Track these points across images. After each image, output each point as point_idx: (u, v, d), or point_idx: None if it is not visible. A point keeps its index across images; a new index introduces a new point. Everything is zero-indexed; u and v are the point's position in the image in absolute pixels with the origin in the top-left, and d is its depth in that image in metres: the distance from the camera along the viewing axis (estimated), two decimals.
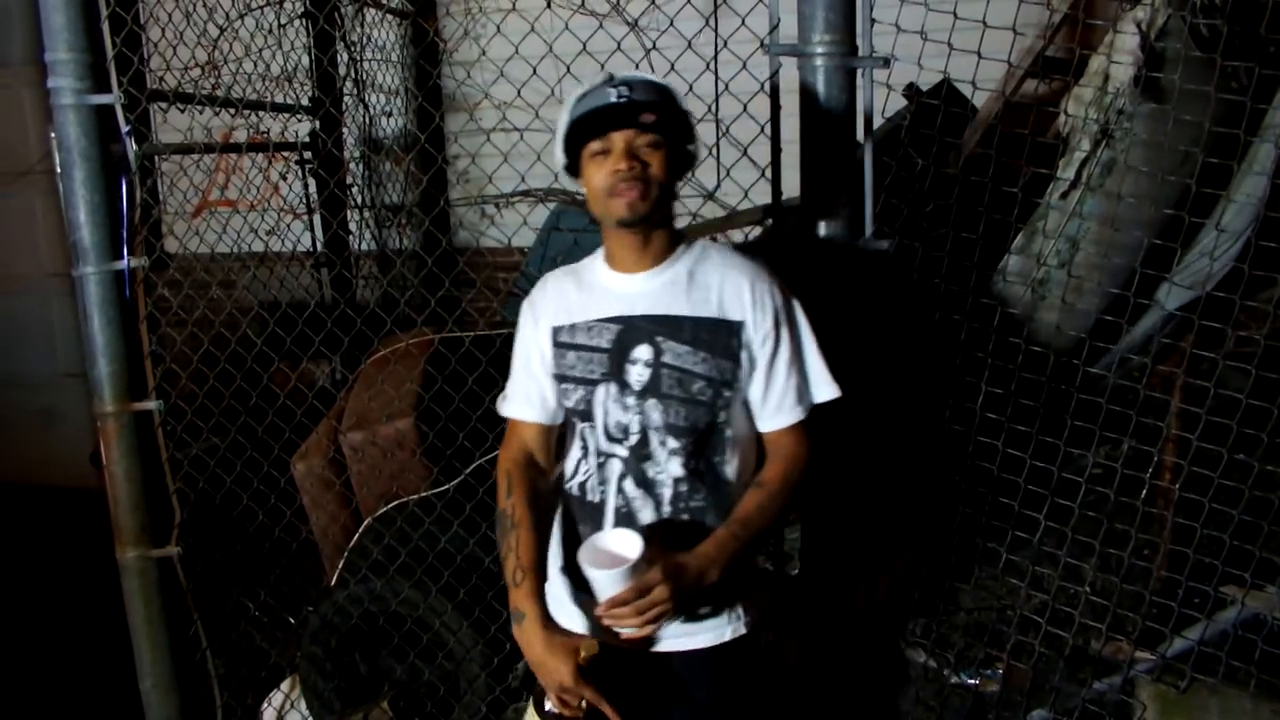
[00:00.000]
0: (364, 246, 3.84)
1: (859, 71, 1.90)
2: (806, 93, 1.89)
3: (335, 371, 3.47)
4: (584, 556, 1.41)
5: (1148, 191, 2.05)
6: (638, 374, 1.51)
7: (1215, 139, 1.84)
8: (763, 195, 2.14)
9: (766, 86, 1.96)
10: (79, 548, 3.68)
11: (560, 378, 1.56)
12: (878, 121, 1.98)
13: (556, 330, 1.58)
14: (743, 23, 2.08)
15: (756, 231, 2.67)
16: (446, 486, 2.58)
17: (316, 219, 3.62)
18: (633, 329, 1.51)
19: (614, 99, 1.44)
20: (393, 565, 2.50)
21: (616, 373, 1.52)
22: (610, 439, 1.53)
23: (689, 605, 1.49)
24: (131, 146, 2.31)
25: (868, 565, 2.08)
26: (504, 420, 1.67)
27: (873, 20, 1.87)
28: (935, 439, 2.10)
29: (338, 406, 3.04)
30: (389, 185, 3.94)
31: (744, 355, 1.51)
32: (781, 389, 1.54)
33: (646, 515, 1.51)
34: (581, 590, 1.50)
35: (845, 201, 1.93)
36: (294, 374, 3.00)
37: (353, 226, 3.77)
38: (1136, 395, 1.90)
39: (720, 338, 1.50)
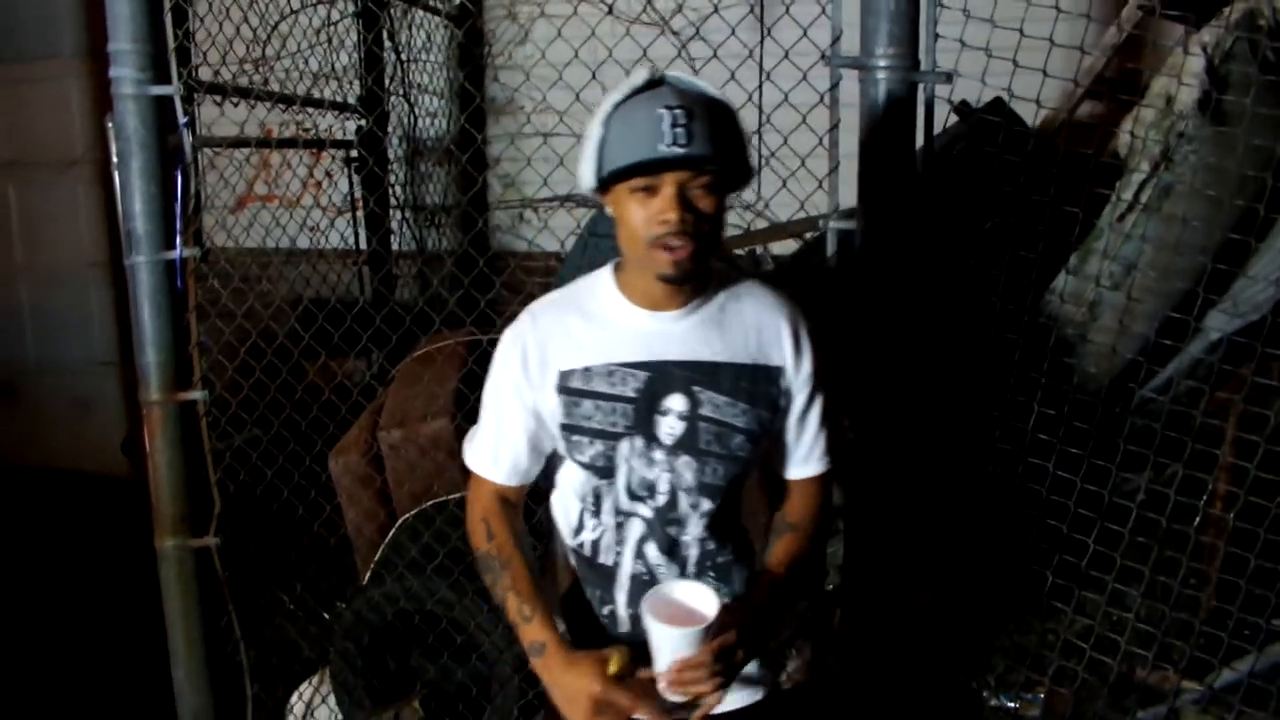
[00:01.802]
0: (406, 246, 3.87)
1: (920, 86, 1.89)
2: (867, 106, 1.89)
3: (376, 368, 3.48)
4: (651, 609, 1.25)
5: (1206, 216, 2.03)
6: (669, 427, 1.34)
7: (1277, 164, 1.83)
8: (816, 209, 2.14)
9: (826, 99, 1.96)
10: (111, 535, 3.71)
11: (572, 428, 1.36)
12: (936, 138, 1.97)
13: (565, 375, 1.36)
14: (804, 34, 2.08)
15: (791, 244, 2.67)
16: None
17: (360, 216, 3.64)
18: (664, 376, 1.33)
19: (668, 139, 1.19)
20: (429, 564, 2.51)
21: (644, 425, 1.34)
22: (633, 498, 1.36)
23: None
24: (188, 138, 2.33)
25: (910, 579, 2.07)
26: None
27: (936, 35, 1.87)
28: (983, 458, 2.08)
29: (377, 403, 3.05)
30: (432, 185, 3.97)
31: (783, 402, 1.39)
32: (813, 437, 1.43)
33: (669, 580, 1.36)
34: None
35: (903, 215, 1.93)
36: (337, 369, 3.01)
37: (394, 225, 3.80)
38: (1189, 420, 1.88)
39: (760, 385, 1.36)
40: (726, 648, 1.22)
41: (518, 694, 2.46)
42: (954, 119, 2.55)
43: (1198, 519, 1.95)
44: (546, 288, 3.17)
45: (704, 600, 1.26)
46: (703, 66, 2.24)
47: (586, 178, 1.30)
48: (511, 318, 1.47)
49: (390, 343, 2.74)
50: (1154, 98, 2.01)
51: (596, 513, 1.40)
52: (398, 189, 3.84)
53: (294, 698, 2.70)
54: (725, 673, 1.22)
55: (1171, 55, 2.02)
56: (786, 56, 2.10)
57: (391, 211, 3.74)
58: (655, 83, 1.26)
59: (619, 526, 1.38)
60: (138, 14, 2.22)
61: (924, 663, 2.14)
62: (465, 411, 2.73)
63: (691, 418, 1.33)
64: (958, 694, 2.12)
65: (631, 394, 1.33)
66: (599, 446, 1.35)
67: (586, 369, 1.35)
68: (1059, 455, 1.96)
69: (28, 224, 4.93)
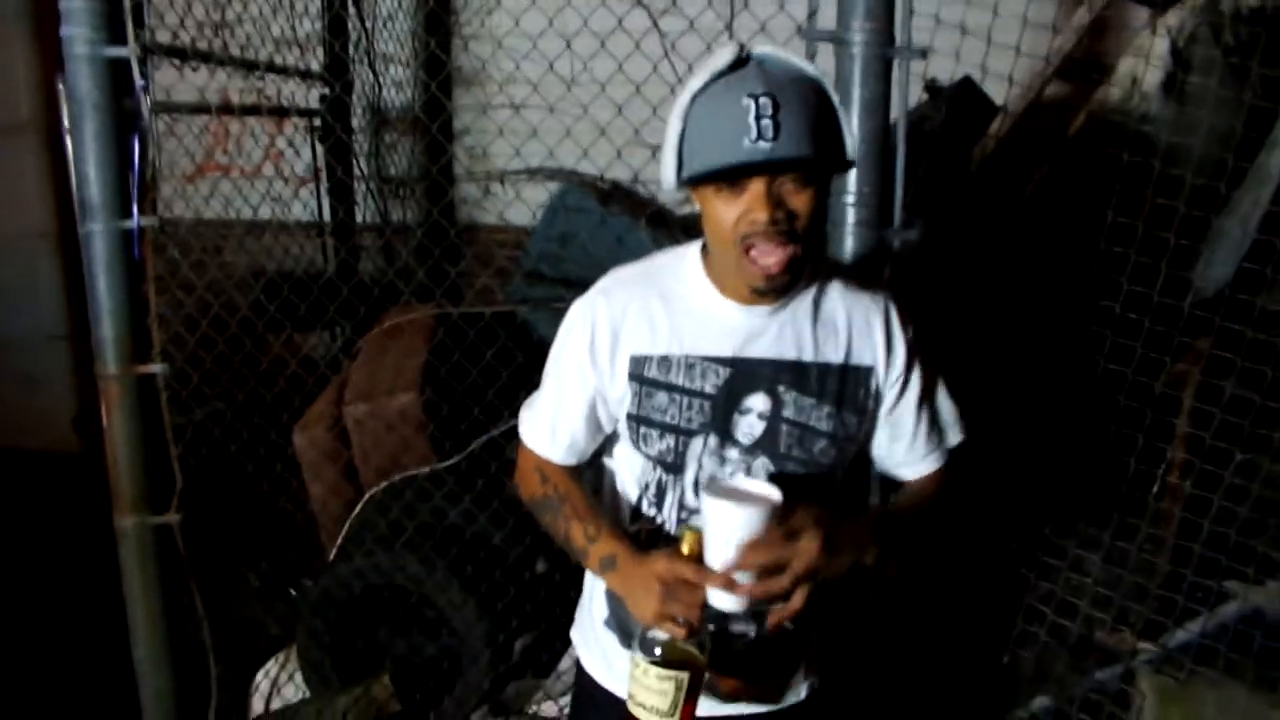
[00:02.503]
0: (371, 218, 3.80)
1: (895, 62, 1.91)
2: (842, 81, 1.90)
3: (342, 342, 3.43)
4: (711, 489, 1.17)
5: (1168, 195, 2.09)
6: (748, 426, 1.25)
7: (1237, 144, 1.88)
8: None
9: None
10: (63, 513, 3.61)
11: (641, 419, 1.27)
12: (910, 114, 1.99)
13: (639, 361, 1.26)
14: (782, 7, 2.08)
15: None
16: (454, 460, 2.56)
17: (325, 187, 3.57)
18: (747, 374, 1.24)
19: (753, 134, 1.07)
20: (397, 539, 2.49)
21: (722, 423, 1.25)
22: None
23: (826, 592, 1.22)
24: (145, 102, 2.26)
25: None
26: (512, 401, 1.49)
27: (911, 11, 1.89)
28: None
29: (343, 377, 3.01)
30: (398, 157, 3.90)
31: (872, 405, 1.29)
32: (920, 433, 1.32)
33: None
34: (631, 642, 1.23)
35: (875, 190, 1.94)
36: (302, 343, 2.97)
37: (358, 197, 3.73)
38: (1149, 391, 1.94)
39: (850, 387, 1.26)
40: (795, 531, 1.12)
41: (488, 668, 2.46)
42: (925, 96, 2.58)
43: (1155, 486, 2.02)
44: (516, 261, 3.18)
45: (768, 490, 1.16)
46: (676, 39, 2.24)
47: (668, 178, 1.17)
48: (481, 291, 1.40)
49: (356, 316, 2.70)
50: (1120, 78, 2.05)
51: (659, 504, 1.31)
52: (363, 160, 3.76)
53: (259, 676, 2.67)
54: (800, 562, 1.11)
55: (1138, 37, 2.06)
56: (763, 29, 2.11)
57: (356, 182, 3.67)
58: (740, 62, 1.12)
59: (681, 523, 1.29)
60: None
61: (892, 632, 2.18)
62: (434, 385, 2.71)
63: (773, 418, 1.25)
64: (925, 660, 2.18)
65: (711, 390, 1.24)
66: (669, 441, 1.27)
67: (665, 358, 1.25)
68: (1020, 423, 2.00)
69: None
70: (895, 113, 1.92)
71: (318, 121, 3.48)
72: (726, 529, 1.12)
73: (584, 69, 2.20)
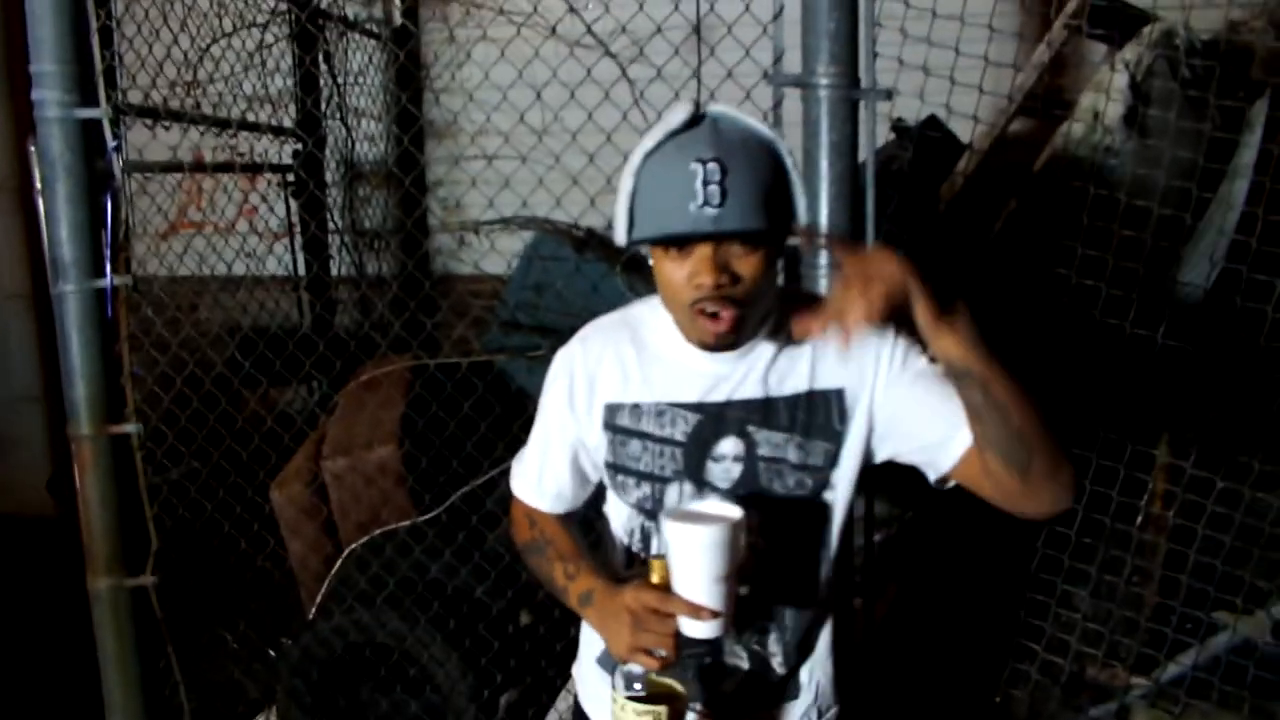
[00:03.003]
0: (344, 271, 3.80)
1: (860, 104, 1.94)
2: (810, 124, 1.92)
3: (318, 396, 3.40)
4: (669, 514, 1.14)
5: (1133, 226, 2.11)
6: (723, 471, 1.24)
7: (1200, 174, 1.92)
8: None
9: (770, 117, 1.99)
10: (37, 577, 3.54)
11: (618, 468, 1.28)
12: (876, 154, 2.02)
13: (613, 409, 1.27)
14: (747, 54, 2.11)
15: None
16: (434, 513, 2.53)
17: (299, 241, 3.57)
18: (716, 419, 1.23)
19: (699, 200, 1.07)
20: (378, 595, 2.44)
21: (695, 470, 1.24)
22: None
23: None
24: (118, 162, 2.26)
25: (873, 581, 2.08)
26: (490, 451, 1.47)
27: (875, 54, 1.92)
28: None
29: (320, 432, 2.98)
30: (371, 209, 3.91)
31: (853, 425, 1.24)
32: (944, 409, 1.17)
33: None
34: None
35: (846, 231, 1.96)
36: (278, 398, 2.94)
37: (333, 251, 3.73)
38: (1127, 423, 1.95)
39: (817, 415, 1.23)
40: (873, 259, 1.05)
41: None
42: (892, 136, 2.62)
43: (1139, 518, 2.01)
44: (491, 310, 3.17)
45: (728, 509, 1.13)
46: (645, 88, 2.26)
47: (620, 236, 1.18)
48: (458, 341, 1.41)
49: (333, 369, 2.69)
50: (1082, 112, 2.09)
51: (646, 550, 1.30)
52: (337, 213, 3.77)
53: None
54: (882, 269, 1.03)
55: (1097, 72, 2.10)
56: (730, 76, 2.14)
57: (331, 236, 3.68)
58: (694, 121, 1.12)
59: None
60: (62, 35, 2.15)
61: (887, 664, 2.16)
62: (412, 437, 2.69)
63: (748, 459, 1.23)
64: (918, 696, 2.15)
65: (680, 437, 1.24)
66: (645, 489, 1.27)
67: (636, 405, 1.26)
68: None
69: None
70: (863, 153, 1.94)
71: (291, 177, 3.49)
72: (688, 551, 1.09)
73: (554, 119, 2.22)
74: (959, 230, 2.12)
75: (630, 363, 1.27)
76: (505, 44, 2.22)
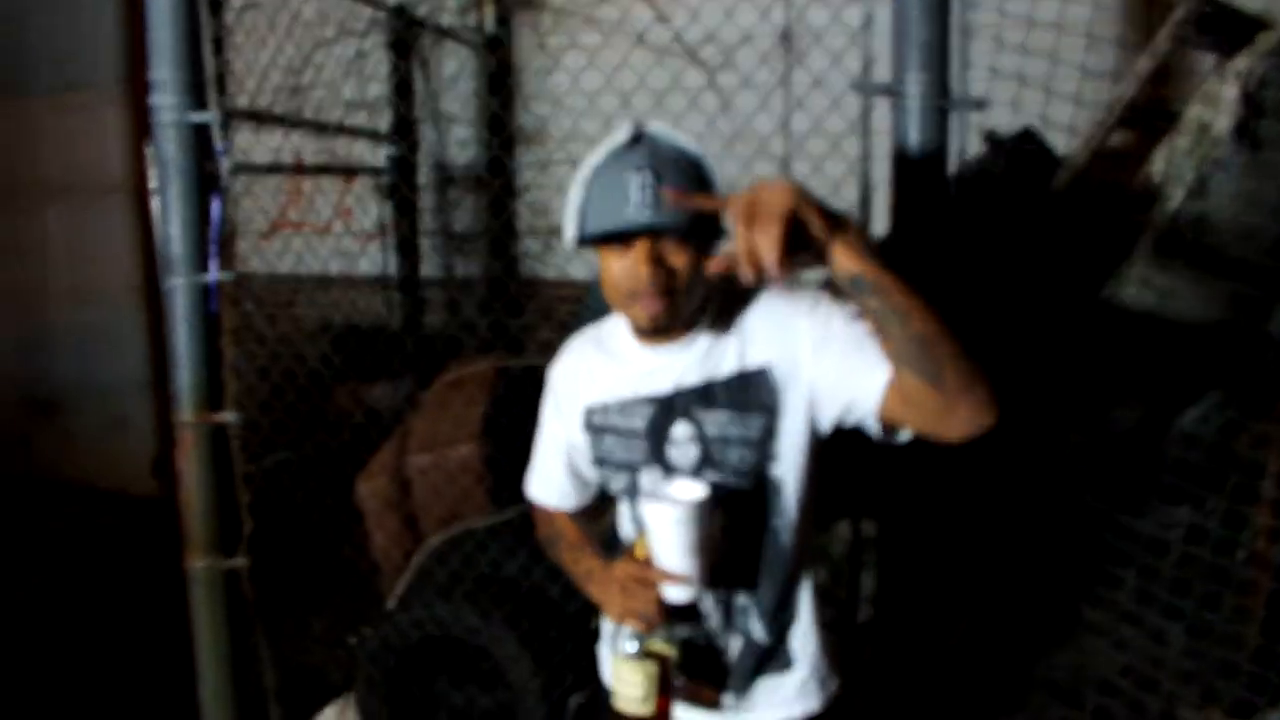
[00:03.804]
0: (433, 272, 3.90)
1: (951, 114, 1.89)
2: (898, 133, 1.89)
3: (406, 393, 3.50)
4: (647, 497, 1.29)
5: (1243, 243, 2.01)
6: (682, 454, 1.38)
7: None
8: None
9: (858, 126, 1.97)
10: (139, 554, 3.73)
11: (600, 461, 1.46)
12: (968, 165, 1.97)
13: (589, 411, 1.45)
14: (835, 62, 2.08)
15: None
16: (513, 514, 2.57)
17: (391, 243, 3.68)
18: (667, 407, 1.38)
19: (635, 203, 1.25)
20: (455, 590, 2.50)
21: (657, 455, 1.39)
22: None
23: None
24: (225, 164, 2.37)
25: (944, 609, 2.03)
26: None
27: (968, 63, 1.88)
28: (1017, 487, 2.05)
29: (405, 428, 3.06)
30: (461, 212, 4.00)
31: (787, 398, 1.34)
32: (862, 355, 1.25)
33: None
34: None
35: (935, 243, 1.92)
36: (367, 394, 3.04)
37: (423, 253, 3.83)
38: (1229, 452, 1.85)
39: (750, 392, 1.35)
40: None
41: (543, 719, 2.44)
42: (985, 147, 2.55)
43: (1241, 553, 1.91)
44: (576, 315, 3.21)
45: (696, 489, 1.29)
46: (732, 96, 2.26)
47: (569, 237, 1.35)
48: (544, 344, 1.52)
49: (420, 367, 2.76)
50: (1188, 125, 2.00)
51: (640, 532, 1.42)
52: (428, 216, 3.87)
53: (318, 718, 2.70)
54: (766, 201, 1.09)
55: (1205, 83, 2.00)
56: (818, 84, 2.12)
57: (421, 238, 3.78)
58: (635, 140, 1.31)
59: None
60: (178, 43, 2.27)
61: (956, 696, 2.10)
62: (494, 437, 2.74)
63: (701, 440, 1.37)
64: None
65: (642, 427, 1.40)
66: (625, 478, 1.43)
67: (605, 405, 1.43)
68: (1094, 487, 1.92)
69: (69, 248, 5.03)
70: (953, 164, 1.89)
71: (385, 180, 3.60)
72: (662, 528, 1.26)
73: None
74: (1053, 246, 2.06)
75: (598, 367, 1.45)
76: (594, 52, 2.24)
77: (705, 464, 1.37)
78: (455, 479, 2.76)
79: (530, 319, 3.15)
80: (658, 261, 1.28)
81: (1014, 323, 2.04)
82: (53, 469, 5.10)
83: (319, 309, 3.23)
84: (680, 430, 1.38)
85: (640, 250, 1.28)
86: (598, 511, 1.58)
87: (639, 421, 1.40)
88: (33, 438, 5.24)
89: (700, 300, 1.36)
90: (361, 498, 2.86)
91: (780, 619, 1.41)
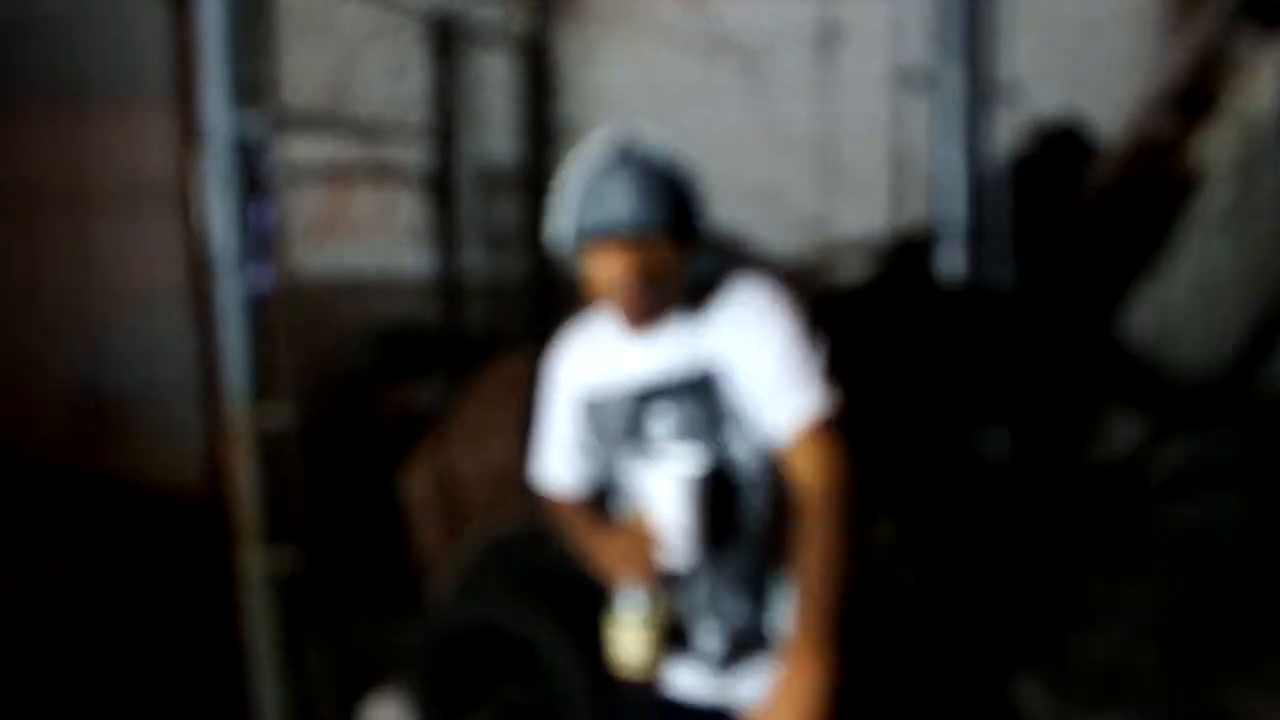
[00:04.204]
0: (474, 273, 3.94)
1: (989, 101, 1.90)
2: (934, 123, 1.90)
3: (446, 392, 3.55)
4: (648, 473, 1.43)
5: None
6: (663, 433, 1.48)
7: None
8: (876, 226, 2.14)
9: (894, 117, 1.98)
10: (196, 554, 3.81)
11: (597, 443, 1.56)
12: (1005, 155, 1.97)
13: (586, 395, 1.55)
14: (875, 51, 2.10)
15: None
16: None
17: (431, 244, 3.72)
18: (645, 394, 1.48)
19: (612, 209, 1.36)
20: (498, 584, 2.53)
21: (641, 438, 1.49)
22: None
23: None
24: (272, 168, 2.43)
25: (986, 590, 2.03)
26: None
27: (1004, 53, 1.88)
28: (1058, 474, 2.05)
29: (447, 426, 3.11)
30: (501, 212, 4.04)
31: (733, 394, 1.44)
32: (772, 385, 1.40)
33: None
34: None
35: (972, 233, 1.92)
36: (410, 394, 3.08)
37: (464, 253, 3.87)
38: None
39: (705, 388, 1.46)
40: None
41: (588, 715, 2.46)
42: (1026, 136, 2.54)
43: None
44: None
45: (690, 465, 1.40)
46: (768, 89, 2.28)
47: (553, 244, 1.45)
48: None
49: (463, 367, 2.80)
50: (1231, 111, 1.98)
51: (632, 502, 1.55)
52: (467, 216, 3.91)
53: (367, 711, 2.74)
54: None
55: (1250, 67, 1.98)
56: (852, 74, 2.13)
57: (462, 238, 3.82)
58: (618, 150, 1.40)
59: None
60: (227, 51, 2.33)
61: (996, 678, 2.09)
62: (533, 434, 2.77)
63: (677, 423, 1.46)
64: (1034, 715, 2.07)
65: (628, 410, 1.50)
66: (619, 458, 1.52)
67: (597, 388, 1.53)
68: (1135, 474, 1.91)
69: (121, 253, 5.14)
70: (991, 153, 1.90)
71: (427, 181, 3.64)
72: (660, 500, 1.40)
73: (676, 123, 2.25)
74: (1097, 233, 2.05)
75: (588, 360, 1.55)
76: (630, 50, 2.27)
77: (683, 442, 1.46)
78: (495, 476, 2.80)
79: (568, 318, 3.18)
80: (637, 261, 1.37)
81: (1058, 310, 2.04)
82: (108, 470, 5.21)
83: (364, 310, 3.27)
84: (658, 411, 1.47)
85: (617, 253, 1.37)
86: (599, 500, 1.63)
87: (625, 405, 1.50)
88: (89, 439, 5.36)
89: (677, 293, 1.45)
90: (406, 494, 2.91)
91: (762, 592, 1.49)
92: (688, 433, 1.46)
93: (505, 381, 3.10)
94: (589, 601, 2.53)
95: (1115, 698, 2.03)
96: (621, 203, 1.36)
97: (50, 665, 3.29)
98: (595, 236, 1.38)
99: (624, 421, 1.50)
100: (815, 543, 1.35)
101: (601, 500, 1.65)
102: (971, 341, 1.94)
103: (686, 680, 1.52)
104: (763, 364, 1.42)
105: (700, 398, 1.46)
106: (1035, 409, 2.06)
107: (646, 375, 1.48)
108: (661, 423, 1.48)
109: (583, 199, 1.40)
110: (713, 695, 1.51)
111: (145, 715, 3.07)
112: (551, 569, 2.58)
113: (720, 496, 1.45)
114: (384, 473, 2.90)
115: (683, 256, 1.42)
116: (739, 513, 1.48)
